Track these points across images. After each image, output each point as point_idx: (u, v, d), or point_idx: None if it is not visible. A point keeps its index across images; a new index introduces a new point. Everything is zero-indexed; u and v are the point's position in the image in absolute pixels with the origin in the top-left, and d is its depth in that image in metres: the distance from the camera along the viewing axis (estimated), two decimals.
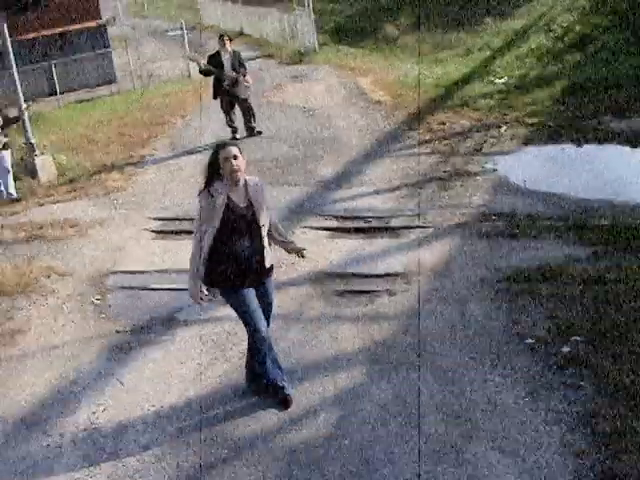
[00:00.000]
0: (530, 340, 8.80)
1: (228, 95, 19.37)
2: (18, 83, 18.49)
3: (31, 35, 32.96)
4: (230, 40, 19.89)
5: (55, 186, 17.76)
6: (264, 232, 7.81)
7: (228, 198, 7.63)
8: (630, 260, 10.45)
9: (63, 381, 9.19)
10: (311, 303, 10.45)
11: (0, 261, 13.11)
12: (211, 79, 19.65)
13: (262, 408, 8.12)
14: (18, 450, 7.90)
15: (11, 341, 10.30)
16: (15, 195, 16.96)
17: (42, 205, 16.35)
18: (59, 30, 34.53)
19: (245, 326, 7.97)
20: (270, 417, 7.96)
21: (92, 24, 35.77)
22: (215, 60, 19.43)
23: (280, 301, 10.23)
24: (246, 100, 19.54)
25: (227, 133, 19.59)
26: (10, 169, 17.08)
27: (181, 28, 35.08)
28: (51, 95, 32.06)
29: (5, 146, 17.03)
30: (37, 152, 18.43)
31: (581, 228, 11.69)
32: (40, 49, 33.86)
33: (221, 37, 19.89)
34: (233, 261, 7.70)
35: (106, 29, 37.01)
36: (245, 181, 7.72)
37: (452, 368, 8.50)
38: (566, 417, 7.43)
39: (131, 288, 11.64)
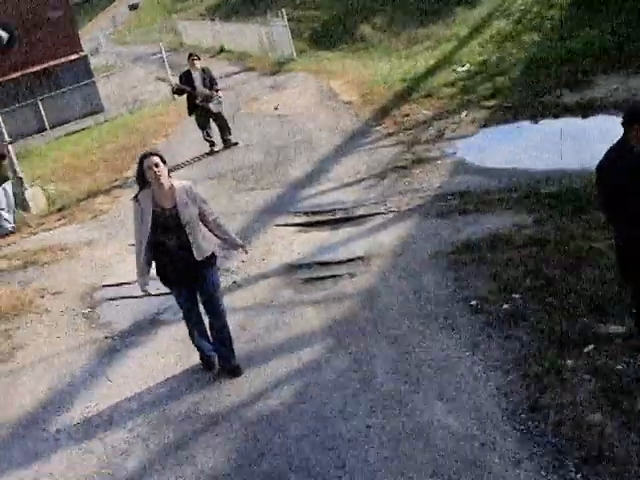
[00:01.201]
0: (474, 302, 9.68)
1: (202, 110, 20.24)
2: (1, 123, 19.37)
3: (15, 74, 33.75)
4: (199, 58, 20.78)
5: (46, 215, 18.70)
6: (189, 229, 8.72)
7: (154, 202, 8.62)
8: (570, 222, 11.27)
9: (59, 385, 10.13)
10: (279, 292, 11.35)
11: None
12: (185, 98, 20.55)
13: (233, 386, 9.02)
14: (20, 445, 8.89)
15: (11, 357, 11.25)
16: (9, 228, 17.81)
17: (35, 234, 17.28)
18: (42, 66, 35.33)
19: None
20: (239, 393, 8.91)
21: (74, 57, 36.58)
22: (186, 78, 20.34)
23: (252, 292, 11.37)
24: (219, 114, 20.42)
25: (205, 147, 20.48)
26: (4, 204, 17.93)
27: (160, 51, 35.93)
28: (41, 131, 32.84)
29: None
30: (26, 185, 19.32)
31: (528, 198, 12.51)
32: (25, 87, 34.62)
33: (190, 56, 20.77)
34: (167, 256, 8.78)
35: (89, 60, 37.87)
36: (171, 185, 8.67)
37: (404, 334, 9.38)
38: (501, 364, 8.31)
39: (117, 299, 12.53)
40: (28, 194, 19.23)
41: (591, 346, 8.14)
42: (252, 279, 11.98)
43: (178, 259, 8.78)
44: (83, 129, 32.02)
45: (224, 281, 11.68)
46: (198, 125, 20.59)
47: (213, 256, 9.08)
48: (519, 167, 14.17)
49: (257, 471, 7.50)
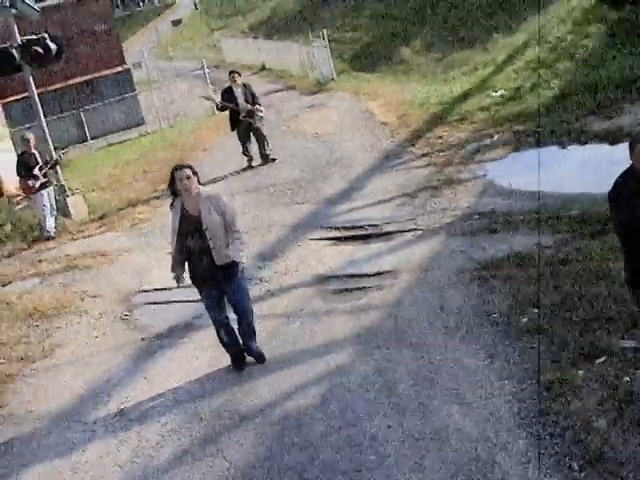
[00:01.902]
0: (495, 315, 10.14)
1: (244, 125, 20.87)
2: (47, 131, 20.05)
3: (59, 85, 34.50)
4: (239, 75, 21.44)
5: (86, 222, 19.31)
6: (209, 234, 9.40)
7: (183, 208, 9.41)
8: (591, 244, 11.70)
9: (96, 381, 10.69)
10: (310, 301, 11.86)
11: (39, 289, 14.62)
12: (227, 113, 21.17)
13: (263, 387, 9.53)
14: (59, 436, 9.45)
15: (51, 354, 11.84)
16: (52, 233, 18.44)
17: (75, 240, 17.90)
18: (86, 78, 36.10)
19: None
20: (268, 392, 9.42)
21: (118, 70, 37.35)
22: (228, 95, 21.02)
23: (284, 300, 11.93)
24: (259, 129, 21.04)
25: (243, 162, 21.06)
26: (47, 208, 18.57)
27: (202, 67, 36.61)
28: (82, 142, 33.52)
29: (43, 186, 18.56)
30: (68, 193, 19.95)
31: (553, 219, 12.95)
32: (69, 98, 35.36)
33: (231, 73, 21.46)
34: (193, 259, 9.53)
35: (131, 74, 38.62)
36: (198, 192, 9.38)
37: (426, 344, 9.85)
38: (517, 373, 8.76)
39: (155, 303, 13.11)
40: (70, 201, 19.85)
41: (603, 358, 8.57)
42: (285, 288, 12.53)
43: (201, 262, 9.51)
44: (123, 141, 32.68)
45: (258, 289, 12.33)
46: (239, 139, 21.18)
47: (237, 263, 9.64)
48: (545, 190, 14.56)
49: (282, 465, 7.99)
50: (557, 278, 10.70)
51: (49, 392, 10.67)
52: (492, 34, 33.95)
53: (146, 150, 28.24)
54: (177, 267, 9.75)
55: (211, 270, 9.54)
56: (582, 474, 6.94)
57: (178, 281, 9.85)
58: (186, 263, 9.72)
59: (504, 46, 31.05)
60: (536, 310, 9.95)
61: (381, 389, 9.02)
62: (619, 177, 7.54)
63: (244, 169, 21.02)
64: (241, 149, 21.34)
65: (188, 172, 9.34)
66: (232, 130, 21.41)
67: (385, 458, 7.74)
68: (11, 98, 31.72)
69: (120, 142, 32.53)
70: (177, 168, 9.46)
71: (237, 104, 20.71)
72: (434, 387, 8.83)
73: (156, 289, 13.62)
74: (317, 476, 7.71)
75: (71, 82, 35.32)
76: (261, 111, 20.99)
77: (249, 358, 10.23)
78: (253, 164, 21.19)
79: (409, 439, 7.98)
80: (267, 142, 21.37)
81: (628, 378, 8.14)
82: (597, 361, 8.55)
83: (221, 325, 9.99)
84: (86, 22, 36.31)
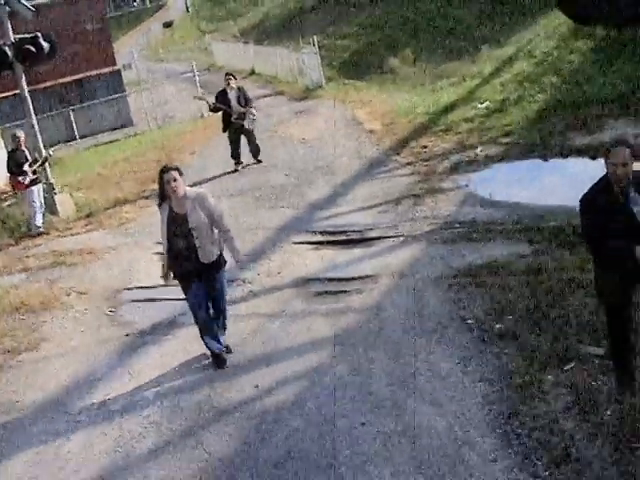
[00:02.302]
0: (470, 321, 10.46)
1: (236, 127, 21.41)
2: (37, 129, 20.30)
3: (49, 83, 34.72)
4: (235, 78, 21.86)
5: (73, 220, 19.57)
6: (195, 233, 9.82)
7: (170, 208, 9.82)
8: (566, 254, 12.04)
9: (81, 374, 10.99)
10: (292, 302, 12.17)
11: (26, 284, 14.89)
12: (220, 116, 21.57)
13: (243, 382, 9.84)
14: (44, 425, 9.73)
15: (37, 347, 12.13)
16: (41, 229, 18.71)
17: (62, 237, 18.17)
18: (76, 77, 36.35)
19: None
20: (248, 389, 9.73)
21: (107, 70, 37.61)
22: (222, 97, 21.58)
23: (266, 301, 12.24)
24: (251, 131, 21.64)
25: (229, 165, 21.38)
26: (37, 204, 18.84)
27: (192, 70, 36.92)
28: (70, 140, 33.76)
29: (33, 182, 18.83)
30: (56, 190, 20.21)
31: (530, 230, 13.29)
32: (58, 96, 35.62)
33: (226, 76, 22.00)
34: (177, 256, 9.92)
35: (121, 74, 38.90)
36: (185, 193, 9.77)
37: (403, 346, 10.17)
38: (489, 376, 9.08)
39: (139, 301, 13.38)
40: (57, 199, 20.10)
41: (571, 364, 8.89)
42: (267, 290, 12.84)
43: (186, 259, 9.88)
44: (111, 141, 32.92)
45: (241, 290, 12.63)
46: (229, 141, 21.63)
47: (220, 260, 10.17)
48: (525, 202, 14.93)
49: (259, 457, 8.30)
50: (532, 287, 10.99)
51: (35, 383, 10.94)
52: (480, 46, 34.29)
53: (134, 151, 28.50)
54: (165, 268, 10.23)
55: (196, 267, 9.92)
56: (546, 473, 7.26)
57: (166, 279, 10.25)
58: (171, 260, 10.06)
59: (492, 58, 31.41)
60: (510, 317, 10.26)
61: (357, 389, 9.32)
62: (594, 184, 7.85)
63: (231, 172, 21.25)
64: (230, 151, 21.60)
65: (175, 174, 9.73)
66: (224, 131, 21.82)
67: (358, 453, 8.04)
68: (0, 95, 31.91)
69: (108, 142, 32.74)
70: (164, 171, 9.84)
71: (230, 106, 21.08)
72: (408, 387, 9.13)
73: (141, 287, 13.87)
74: (293, 469, 8.01)
75: (61, 81, 35.55)
76: (253, 114, 21.36)
77: (230, 356, 10.48)
78: (239, 168, 21.45)
79: (382, 436, 8.29)
80: (257, 145, 21.74)
81: (594, 383, 8.44)
82: (566, 367, 8.86)
83: (204, 323, 10.31)
84: (79, 21, 36.59)
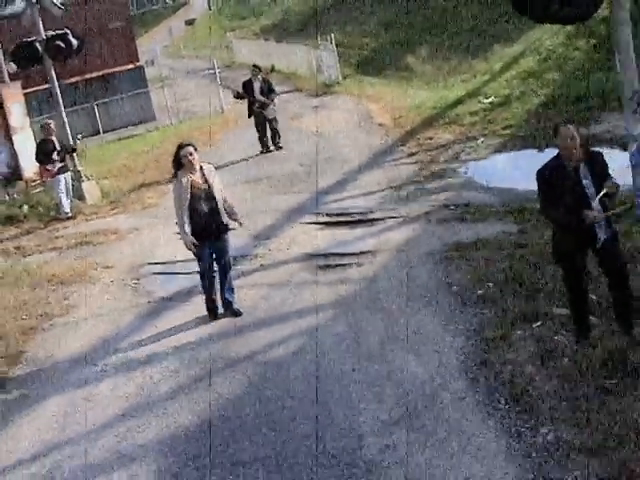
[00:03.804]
0: (455, 287, 11.72)
1: (259, 115, 23.52)
2: (66, 121, 21.62)
3: (75, 78, 35.88)
4: (260, 70, 24.28)
5: (99, 206, 20.88)
6: (217, 197, 11.44)
7: (191, 179, 11.32)
8: (546, 232, 13.21)
9: (108, 333, 12.31)
10: (298, 274, 13.46)
11: (56, 261, 16.24)
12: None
13: (251, 339, 11.15)
14: (76, 374, 11.04)
15: (67, 312, 13.45)
16: (70, 213, 20.03)
17: (89, 221, 19.50)
18: (101, 73, 37.57)
19: None
20: (256, 343, 11.03)
21: (131, 66, 38.85)
22: (247, 86, 23.77)
23: (275, 273, 13.58)
24: (274, 119, 23.78)
25: (246, 156, 22.83)
26: (64, 191, 20.15)
27: (213, 67, 38.16)
28: (95, 134, 34.93)
29: (61, 170, 20.14)
30: (83, 178, 21.53)
31: (518, 211, 14.51)
32: (83, 91, 36.77)
33: (253, 67, 24.50)
34: (201, 218, 11.39)
35: (144, 70, 40.17)
36: (201, 167, 11.35)
37: (394, 309, 11.44)
38: (466, 332, 10.33)
39: (160, 274, 14.69)
40: (84, 186, 21.38)
41: (539, 322, 10.12)
42: (276, 263, 14.17)
43: (210, 220, 11.43)
44: (134, 135, 34.15)
45: (253, 263, 13.95)
46: (255, 127, 23.81)
47: (227, 225, 11.76)
48: (518, 187, 16.13)
49: (262, 396, 9.59)
50: (512, 259, 12.23)
51: (66, 342, 12.25)
52: (493, 44, 35.42)
53: (156, 143, 29.78)
54: (186, 230, 11.61)
55: (211, 228, 11.51)
56: (506, 407, 8.50)
57: (191, 243, 11.65)
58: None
59: (502, 56, 32.56)
60: (490, 284, 11.51)
61: (351, 343, 10.60)
62: (549, 160, 9.10)
63: (251, 157, 23.13)
64: (257, 136, 23.88)
65: (191, 149, 11.35)
66: (249, 117, 24.05)
67: (349, 392, 9.32)
68: (29, 90, 33.16)
69: (131, 136, 33.97)
70: (182, 146, 11.47)
71: (253, 95, 23.17)
72: (396, 342, 10.40)
73: (162, 262, 15.13)
74: (291, 405, 9.30)
75: (87, 76, 36.68)
76: (269, 105, 23.11)
77: (240, 318, 11.83)
78: (264, 150, 23.69)
79: (369, 379, 9.57)
80: (279, 133, 23.95)
81: (557, 337, 9.68)
82: (534, 324, 10.09)
83: (207, 274, 11.95)
84: (103, 19, 37.75)
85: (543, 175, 9.05)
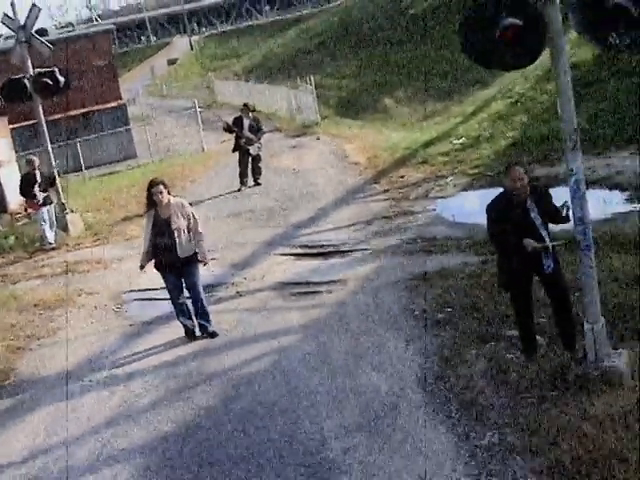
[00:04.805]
0: (418, 312, 12.61)
1: (244, 150, 24.60)
2: (52, 155, 22.44)
3: (58, 115, 36.63)
4: (250, 109, 25.50)
5: (83, 237, 21.72)
6: (176, 233, 12.24)
7: (157, 214, 12.26)
8: None
9: (92, 353, 13.14)
10: (272, 300, 14.34)
11: (42, 287, 17.08)
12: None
13: (226, 357, 12.01)
14: (62, 388, 11.78)
15: (54, 334, 14.27)
16: (54, 244, 20.86)
17: (72, 251, 20.34)
18: (83, 110, 38.41)
19: None
20: (230, 361, 11.88)
21: (114, 104, 39.77)
22: (237, 122, 24.78)
23: (250, 299, 14.45)
24: (257, 156, 24.91)
25: (225, 192, 23.75)
26: (48, 222, 20.98)
27: (194, 106, 39.15)
28: (77, 171, 35.59)
29: (45, 202, 20.99)
30: (67, 210, 22.35)
31: (480, 244, 15.42)
32: (66, 128, 37.47)
33: (244, 105, 25.69)
34: (161, 251, 12.38)
35: (126, 108, 41.08)
36: (169, 201, 12.22)
37: (360, 331, 12.31)
38: (425, 351, 11.19)
39: (142, 300, 15.53)
40: (69, 218, 22.19)
41: (492, 343, 11.02)
42: (252, 291, 15.05)
43: (168, 255, 12.36)
44: (116, 172, 34.98)
45: (229, 291, 14.79)
46: (238, 161, 24.86)
47: (194, 256, 12.56)
48: (482, 223, 16.98)
49: (236, 407, 10.44)
50: (471, 287, 13.15)
51: (52, 360, 13.05)
52: (468, 88, 36.59)
53: (138, 180, 30.61)
54: (144, 259, 12.70)
55: (174, 261, 12.40)
56: (457, 415, 9.37)
57: (142, 268, 12.86)
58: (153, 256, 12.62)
59: (476, 99, 33.74)
60: (450, 309, 12.41)
61: (318, 360, 11.47)
62: (497, 196, 10.05)
63: (230, 193, 24.01)
64: (239, 171, 24.83)
65: (161, 188, 12.28)
66: (233, 152, 25.12)
67: (315, 403, 10.18)
68: (14, 125, 33.96)
69: (113, 173, 34.80)
70: (152, 185, 12.38)
71: (241, 131, 24.24)
72: (360, 360, 11.27)
73: (143, 289, 15.97)
74: (261, 414, 10.15)
75: (69, 113, 37.40)
76: (260, 143, 24.77)
77: (217, 338, 12.68)
78: (243, 188, 24.52)
79: (334, 391, 10.43)
80: (260, 170, 25.09)
81: (508, 356, 10.57)
82: (487, 345, 10.98)
83: (179, 304, 12.85)
84: (87, 57, 38.65)
85: (492, 210, 10.00)
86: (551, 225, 10.05)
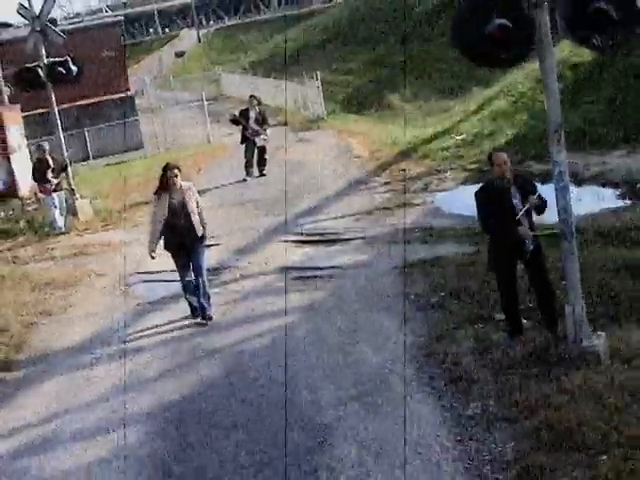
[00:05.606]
0: (412, 296, 13.26)
1: (250, 142, 25.20)
2: (63, 142, 23.12)
3: (67, 105, 37.16)
4: (257, 100, 26.05)
5: (92, 222, 22.36)
6: (192, 215, 12.92)
7: (170, 196, 12.83)
8: None
9: (102, 329, 13.81)
10: (274, 283, 14.99)
11: (53, 268, 17.77)
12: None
13: (229, 334, 12.70)
14: (73, 360, 12.54)
15: (65, 311, 14.95)
16: (63, 228, 21.51)
17: (82, 235, 21.01)
18: (93, 100, 38.92)
19: None
20: (232, 338, 12.58)
21: (122, 95, 40.30)
22: (244, 114, 25.37)
23: (253, 282, 15.05)
24: (263, 148, 25.44)
25: (231, 181, 24.46)
26: (58, 207, 21.63)
27: (201, 99, 39.69)
28: (84, 160, 36.17)
29: (56, 188, 21.64)
30: (77, 196, 22.99)
31: (475, 234, 16.03)
32: (74, 118, 37.97)
33: (251, 97, 26.27)
34: (176, 232, 12.94)
35: (134, 100, 41.63)
36: (181, 185, 12.86)
37: (356, 312, 13.00)
38: (417, 331, 11.89)
39: (149, 281, 16.18)
40: (78, 204, 22.82)
41: (481, 324, 11.69)
42: (255, 274, 15.70)
43: (184, 234, 12.99)
44: (123, 162, 35.48)
45: (233, 274, 15.45)
46: (245, 152, 25.43)
47: (204, 236, 13.27)
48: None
49: (236, 378, 11.13)
50: (463, 274, 13.81)
51: (64, 335, 13.75)
52: (471, 86, 37.13)
53: (145, 170, 31.22)
54: (154, 244, 13.28)
55: (184, 241, 13.07)
56: (445, 388, 10.06)
57: (152, 256, 13.38)
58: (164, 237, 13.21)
59: (478, 97, 34.29)
60: (442, 293, 13.08)
61: (316, 339, 12.15)
62: (485, 183, 10.73)
63: (237, 182, 24.76)
64: (245, 161, 25.41)
65: (176, 171, 12.96)
66: (241, 143, 25.65)
67: (312, 376, 10.87)
68: (26, 113, 34.55)
69: (119, 162, 35.32)
70: (168, 168, 13.03)
71: (247, 122, 24.77)
72: (355, 338, 11.95)
73: (150, 271, 16.61)
74: (262, 384, 10.84)
75: (79, 103, 37.94)
76: (266, 135, 25.20)
77: (221, 317, 13.35)
78: (247, 178, 25.14)
79: (330, 366, 11.12)
80: (265, 160, 25.61)
81: (494, 336, 11.23)
82: (475, 326, 11.65)
83: (186, 281, 13.41)
84: (97, 48, 39.13)
85: (480, 195, 10.66)
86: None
